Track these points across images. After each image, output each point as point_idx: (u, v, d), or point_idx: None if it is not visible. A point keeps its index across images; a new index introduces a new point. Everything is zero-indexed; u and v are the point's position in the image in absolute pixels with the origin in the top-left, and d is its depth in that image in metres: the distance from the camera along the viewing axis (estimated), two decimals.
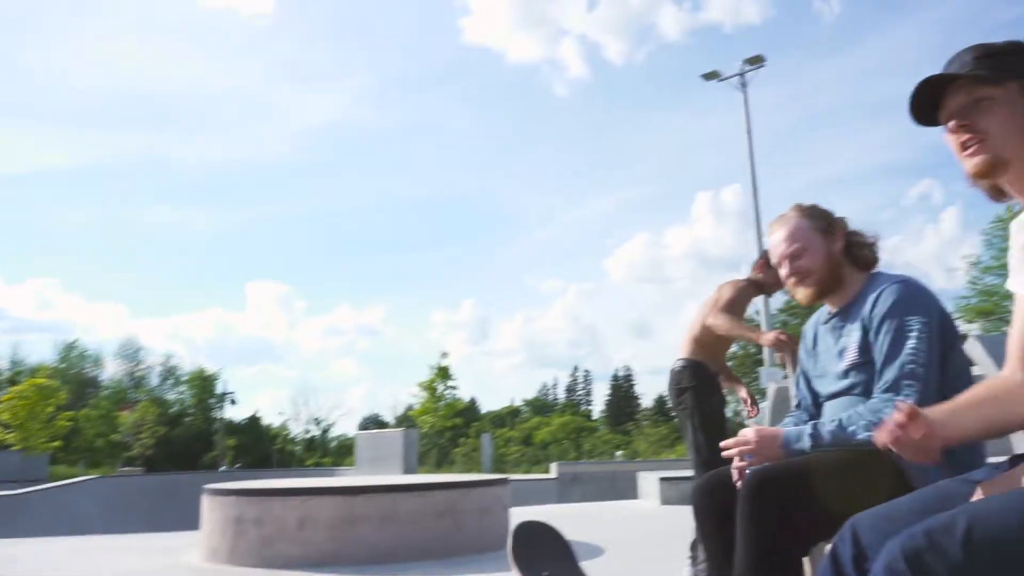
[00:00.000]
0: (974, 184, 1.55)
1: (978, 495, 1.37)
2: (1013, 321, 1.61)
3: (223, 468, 43.72)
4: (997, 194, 1.53)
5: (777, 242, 2.42)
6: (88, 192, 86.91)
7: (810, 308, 2.54)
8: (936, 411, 1.43)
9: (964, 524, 1.17)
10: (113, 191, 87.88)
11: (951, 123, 1.47)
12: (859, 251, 2.37)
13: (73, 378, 59.36)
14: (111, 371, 62.66)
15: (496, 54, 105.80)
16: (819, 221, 2.39)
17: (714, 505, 2.27)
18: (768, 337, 3.88)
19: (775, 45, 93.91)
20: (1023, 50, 1.47)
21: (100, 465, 45.42)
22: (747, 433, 2.23)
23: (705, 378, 4.10)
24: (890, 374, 2.09)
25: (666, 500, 9.65)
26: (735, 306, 4.10)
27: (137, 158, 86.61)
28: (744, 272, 4.30)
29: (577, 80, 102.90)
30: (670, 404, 4.46)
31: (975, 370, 2.55)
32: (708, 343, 4.28)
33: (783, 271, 2.40)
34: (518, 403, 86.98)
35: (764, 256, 4.15)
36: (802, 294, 2.37)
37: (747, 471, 2.09)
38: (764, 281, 4.19)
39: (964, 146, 1.45)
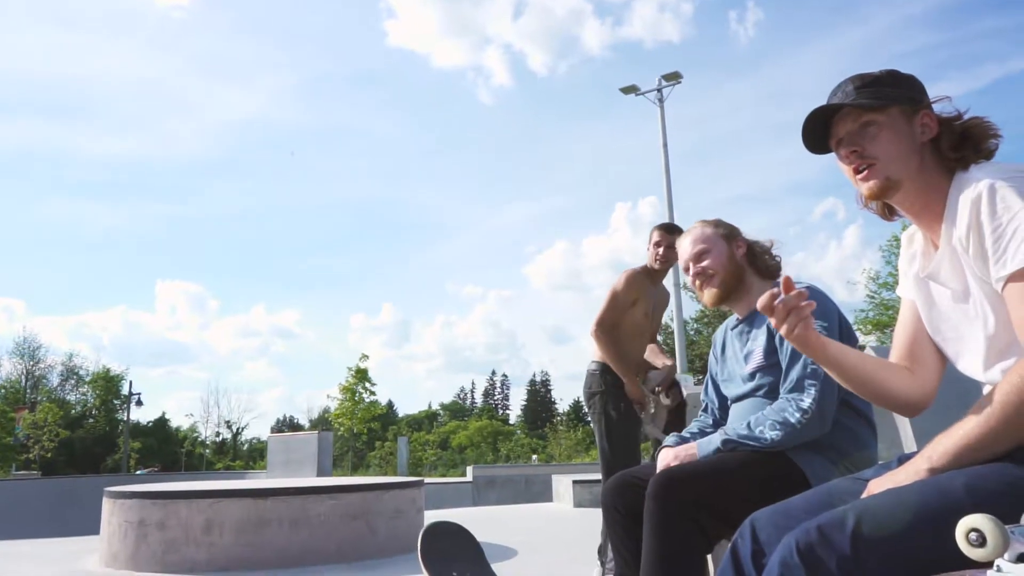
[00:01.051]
0: (866, 205, 1.64)
1: (868, 492, 1.44)
2: (898, 320, 1.71)
3: (140, 472, 42.14)
4: (887, 213, 1.64)
5: (683, 248, 2.53)
6: None
7: (717, 316, 2.63)
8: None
9: (853, 519, 1.22)
10: (11, 181, 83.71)
11: (842, 150, 1.56)
12: (761, 259, 2.49)
13: None
14: (7, 370, 59.57)
15: (421, 59, 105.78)
16: (722, 228, 2.53)
17: (623, 505, 2.33)
18: (631, 390, 4.07)
19: (693, 63, 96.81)
20: (899, 79, 1.56)
21: None
22: (667, 455, 2.33)
23: (614, 384, 4.13)
24: (794, 374, 2.18)
25: (579, 503, 9.76)
26: (614, 312, 4.17)
27: (38, 148, 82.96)
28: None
29: (501, 88, 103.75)
30: (584, 407, 4.50)
31: None
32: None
33: (689, 276, 2.50)
34: (436, 407, 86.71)
35: (663, 229, 4.24)
36: (708, 295, 2.47)
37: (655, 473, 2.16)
38: (654, 267, 4.26)
39: (857, 171, 1.54)
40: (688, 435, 2.52)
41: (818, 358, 1.60)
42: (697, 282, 2.48)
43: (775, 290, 1.49)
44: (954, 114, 1.52)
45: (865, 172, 1.52)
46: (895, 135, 1.51)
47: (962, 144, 1.49)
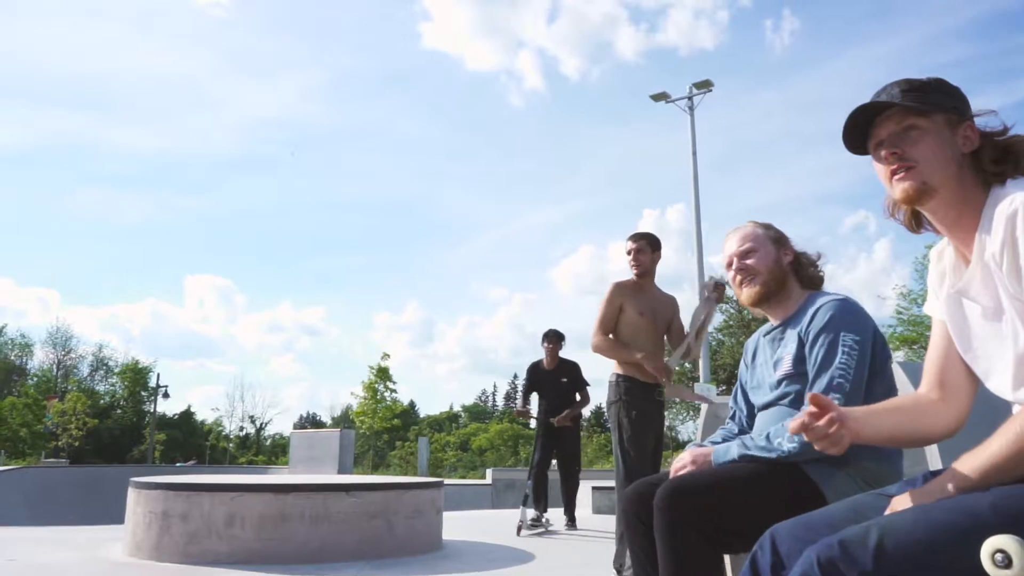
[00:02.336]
0: (893, 213, 1.62)
1: (891, 509, 1.43)
2: (930, 343, 1.68)
3: (180, 464, 42.65)
4: (915, 225, 1.61)
5: (729, 243, 2.49)
6: (22, 173, 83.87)
7: (741, 326, 2.62)
8: (854, 410, 1.48)
9: (876, 535, 1.22)
10: (48, 173, 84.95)
11: (882, 151, 1.53)
12: (805, 270, 2.46)
13: None
14: (39, 359, 60.54)
15: (454, 61, 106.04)
16: (772, 231, 2.49)
17: (645, 514, 2.31)
18: (651, 364, 4.16)
19: (726, 71, 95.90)
20: (945, 87, 1.54)
21: (24, 456, 43.87)
22: (684, 457, 2.32)
23: (629, 393, 4.18)
24: (818, 386, 2.15)
25: (598, 509, 9.73)
26: (604, 324, 4.40)
27: (73, 140, 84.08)
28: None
29: (532, 92, 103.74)
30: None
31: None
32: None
33: (731, 271, 2.47)
34: (457, 408, 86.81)
35: (631, 238, 4.56)
36: (746, 294, 2.44)
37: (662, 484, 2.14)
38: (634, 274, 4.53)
39: (894, 173, 1.51)
40: (710, 444, 2.50)
41: (859, 440, 1.51)
42: (738, 278, 2.44)
43: (806, 418, 1.41)
44: (998, 128, 1.50)
45: (903, 175, 1.49)
46: (937, 142, 1.48)
47: (1003, 159, 1.46)
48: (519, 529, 7.01)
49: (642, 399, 4.18)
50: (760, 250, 2.42)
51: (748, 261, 2.42)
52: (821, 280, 2.47)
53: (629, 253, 4.52)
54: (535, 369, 8.00)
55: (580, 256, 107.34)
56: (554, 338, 7.91)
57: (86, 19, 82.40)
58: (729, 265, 2.47)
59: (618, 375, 4.26)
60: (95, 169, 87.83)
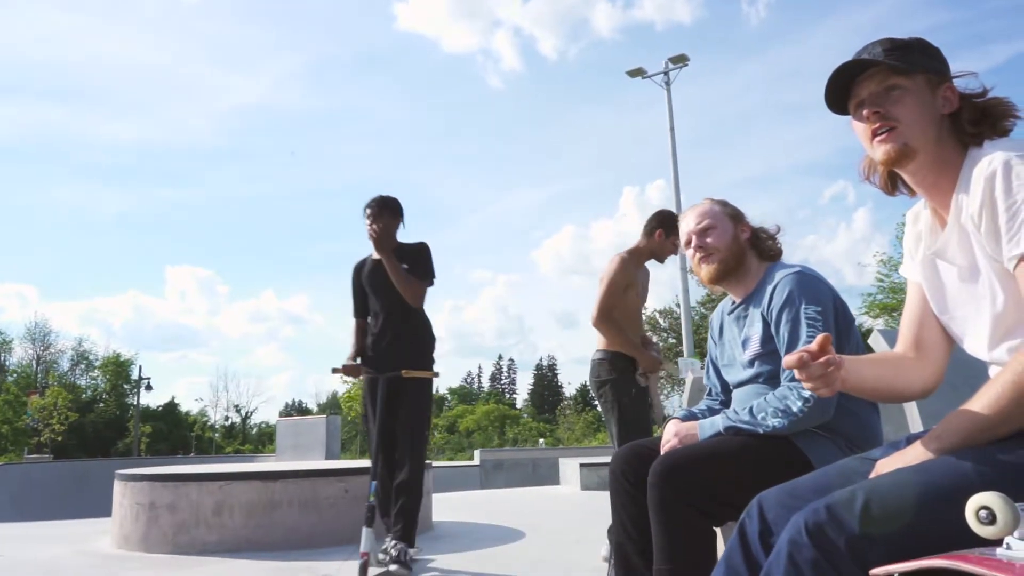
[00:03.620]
0: (869, 176, 1.62)
1: (876, 472, 1.44)
2: (905, 304, 1.70)
3: (180, 455, 42.53)
4: (890, 187, 1.61)
5: (687, 221, 2.50)
6: None
7: (721, 299, 2.63)
8: (844, 357, 1.49)
9: (862, 499, 1.23)
10: (21, 166, 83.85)
11: (864, 110, 1.53)
12: (763, 243, 2.47)
13: None
14: (18, 355, 59.93)
15: (430, 43, 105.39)
16: (729, 208, 2.51)
17: (632, 473, 2.34)
18: (647, 364, 4.10)
19: (703, 45, 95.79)
20: (927, 48, 1.53)
21: (6, 452, 43.53)
22: (669, 431, 2.34)
23: (623, 371, 4.16)
24: None
25: (586, 486, 9.79)
26: (612, 299, 4.17)
27: (46, 132, 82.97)
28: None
29: (511, 72, 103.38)
30: (592, 394, 4.51)
31: None
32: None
33: (690, 249, 2.48)
34: (443, 392, 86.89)
35: (661, 218, 4.27)
36: (705, 271, 2.45)
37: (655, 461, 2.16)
38: (651, 248, 4.29)
39: (875, 133, 1.51)
40: (697, 411, 2.52)
41: (843, 388, 1.52)
42: (697, 256, 2.45)
43: (804, 355, 1.39)
44: (977, 91, 1.50)
45: (884, 135, 1.49)
46: (919, 102, 1.48)
47: (981, 121, 1.46)
48: (363, 570, 3.60)
49: (634, 375, 4.18)
50: (718, 227, 2.44)
51: (707, 239, 2.43)
52: (779, 252, 2.48)
53: (681, 244, 3.33)
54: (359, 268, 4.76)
55: (563, 236, 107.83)
56: (379, 207, 4.51)
57: (59, 8, 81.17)
58: (688, 243, 2.49)
59: (608, 352, 4.23)
60: (70, 161, 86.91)
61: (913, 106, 1.48)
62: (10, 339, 59.23)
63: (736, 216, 2.48)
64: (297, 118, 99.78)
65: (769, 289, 2.29)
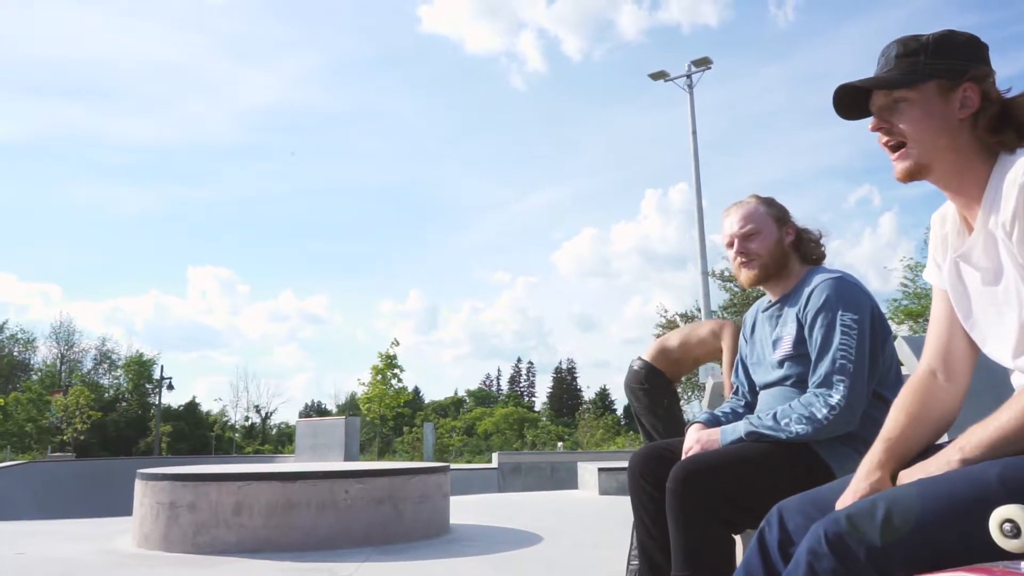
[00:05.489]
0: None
1: (899, 482, 1.42)
2: (931, 315, 1.67)
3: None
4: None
5: (730, 221, 2.45)
6: (19, 165, 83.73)
7: (745, 305, 2.61)
8: (889, 453, 1.50)
9: (883, 509, 1.21)
10: (46, 165, 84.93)
11: (872, 123, 1.51)
12: (807, 246, 2.43)
13: (2, 361, 57.48)
14: (43, 354, 60.71)
15: (454, 44, 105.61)
16: (775, 209, 2.44)
17: (650, 473, 2.33)
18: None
19: (730, 47, 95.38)
20: (949, 46, 1.48)
21: (29, 450, 44.07)
22: (691, 437, 2.31)
23: (658, 384, 4.22)
24: (822, 369, 2.14)
25: (605, 490, 9.76)
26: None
27: (70, 131, 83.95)
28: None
29: (534, 73, 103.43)
30: (627, 396, 4.55)
31: (903, 370, 2.63)
32: (676, 359, 4.42)
33: (732, 251, 2.44)
34: (462, 394, 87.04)
35: None
36: (745, 276, 2.42)
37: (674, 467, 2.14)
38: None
39: (889, 148, 1.49)
40: (720, 414, 2.50)
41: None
42: (738, 260, 2.41)
43: None
44: (1005, 89, 1.45)
45: (897, 154, 1.47)
46: (926, 114, 1.45)
47: (1001, 125, 1.42)
48: None
49: (670, 391, 4.24)
50: (762, 231, 2.38)
51: (750, 245, 2.38)
52: (823, 257, 2.44)
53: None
54: None
55: (582, 239, 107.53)
56: None
57: (80, 5, 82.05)
58: (730, 245, 2.44)
59: (650, 366, 4.29)
60: (93, 160, 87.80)
61: (920, 119, 1.45)
62: (33, 338, 60.08)
63: (781, 218, 2.43)
64: (317, 116, 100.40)
65: (807, 291, 2.26)
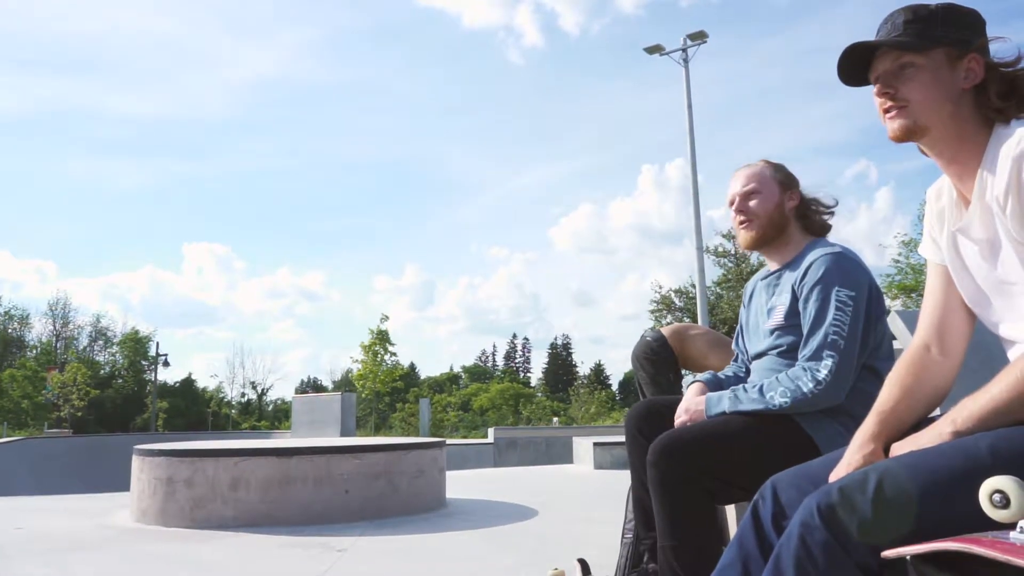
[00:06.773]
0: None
1: (890, 454, 1.43)
2: (926, 289, 1.67)
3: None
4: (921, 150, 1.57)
5: (735, 181, 2.45)
6: (13, 141, 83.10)
7: (739, 280, 2.62)
8: (883, 425, 1.53)
9: (875, 481, 1.22)
10: (40, 140, 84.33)
11: (876, 87, 1.50)
12: (812, 216, 2.41)
13: None
14: (38, 331, 60.65)
15: (451, 18, 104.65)
16: (781, 174, 2.43)
17: (646, 429, 2.35)
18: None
19: (728, 21, 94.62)
20: (953, 16, 1.48)
21: (25, 427, 44.15)
22: (684, 401, 2.33)
23: (667, 359, 4.25)
24: (814, 343, 2.14)
25: (600, 465, 9.83)
26: None
27: (65, 106, 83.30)
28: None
29: (532, 48, 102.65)
30: (632, 366, 4.58)
31: (895, 344, 2.64)
32: (689, 347, 4.44)
33: (732, 209, 2.44)
34: (457, 370, 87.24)
35: None
36: (742, 237, 2.42)
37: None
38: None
39: (886, 111, 1.49)
40: (723, 376, 2.51)
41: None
42: (738, 219, 2.41)
43: None
44: (1009, 58, 1.44)
45: (893, 113, 1.47)
46: (933, 80, 1.44)
47: (1009, 94, 1.42)
48: None
49: (675, 366, 4.28)
50: (763, 192, 2.38)
51: (750, 203, 2.38)
52: (828, 228, 2.43)
53: None
54: None
55: (579, 214, 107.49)
56: None
57: None
58: (731, 203, 2.44)
59: (664, 340, 4.33)
60: (88, 135, 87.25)
61: (926, 84, 1.45)
62: (28, 315, 60.00)
63: (787, 183, 2.41)
64: (314, 91, 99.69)
65: (805, 263, 2.25)
